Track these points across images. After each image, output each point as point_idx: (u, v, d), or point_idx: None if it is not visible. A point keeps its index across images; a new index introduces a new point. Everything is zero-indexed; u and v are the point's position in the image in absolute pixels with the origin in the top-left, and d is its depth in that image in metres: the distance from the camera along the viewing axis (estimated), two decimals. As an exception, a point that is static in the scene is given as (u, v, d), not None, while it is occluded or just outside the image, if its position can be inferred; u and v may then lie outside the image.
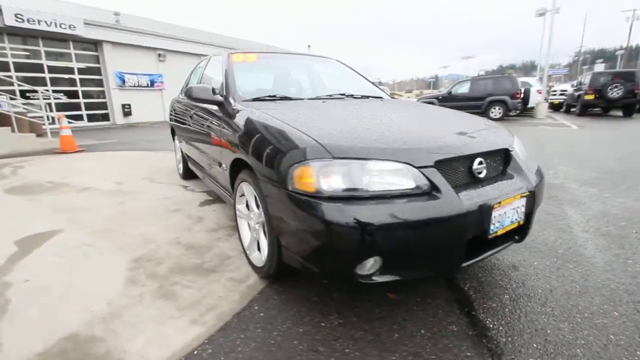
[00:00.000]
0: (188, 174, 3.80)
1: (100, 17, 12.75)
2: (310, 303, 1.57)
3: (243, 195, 1.91)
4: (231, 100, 2.08)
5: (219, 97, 2.18)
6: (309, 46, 31.81)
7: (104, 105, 13.82)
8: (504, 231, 1.43)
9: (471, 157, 1.46)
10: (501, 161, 1.64)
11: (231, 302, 1.61)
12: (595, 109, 12.49)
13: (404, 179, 1.27)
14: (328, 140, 1.35)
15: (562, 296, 1.59)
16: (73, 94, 12.66)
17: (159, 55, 15.42)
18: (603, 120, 10.30)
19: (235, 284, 1.76)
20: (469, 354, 1.25)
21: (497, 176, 1.58)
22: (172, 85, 15.96)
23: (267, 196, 1.48)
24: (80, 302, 1.61)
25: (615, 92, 11.03)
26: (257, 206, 1.75)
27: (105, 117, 13.93)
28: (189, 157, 3.51)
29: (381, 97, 2.60)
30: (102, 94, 13.72)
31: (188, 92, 2.21)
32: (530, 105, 12.58)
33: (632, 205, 2.78)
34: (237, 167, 1.91)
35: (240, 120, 1.84)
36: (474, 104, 11.18)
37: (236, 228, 2.07)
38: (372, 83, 2.95)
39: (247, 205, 1.90)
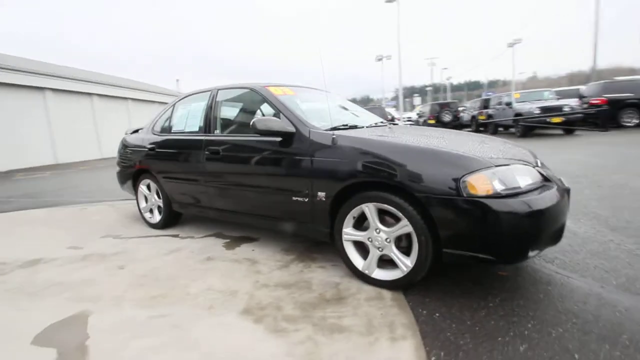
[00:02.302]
0: (170, 221, 3.29)
1: None
2: (460, 296, 1.82)
3: (354, 217, 2.00)
4: (314, 131, 2.15)
5: (291, 128, 2.20)
6: (177, 80, 29.93)
7: None
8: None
9: (536, 158, 2.09)
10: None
11: (399, 315, 1.70)
12: (434, 130, 16.62)
13: (530, 176, 1.76)
14: (476, 153, 1.72)
15: (602, 228, 2.42)
16: None
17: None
18: (445, 138, 13.86)
19: (378, 301, 1.83)
20: (604, 272, 1.80)
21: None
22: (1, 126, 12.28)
23: (429, 209, 1.69)
24: (257, 365, 1.39)
25: (446, 117, 15.15)
26: (382, 222, 1.90)
27: None
28: (175, 200, 3.09)
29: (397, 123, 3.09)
30: None
31: (253, 126, 2.16)
32: (394, 129, 15.65)
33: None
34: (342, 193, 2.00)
35: (351, 149, 1.96)
36: (358, 130, 13.15)
37: (298, 257, 2.11)
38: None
39: (357, 227, 2.01)
